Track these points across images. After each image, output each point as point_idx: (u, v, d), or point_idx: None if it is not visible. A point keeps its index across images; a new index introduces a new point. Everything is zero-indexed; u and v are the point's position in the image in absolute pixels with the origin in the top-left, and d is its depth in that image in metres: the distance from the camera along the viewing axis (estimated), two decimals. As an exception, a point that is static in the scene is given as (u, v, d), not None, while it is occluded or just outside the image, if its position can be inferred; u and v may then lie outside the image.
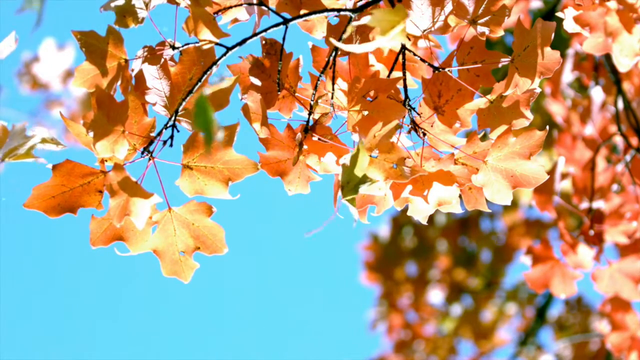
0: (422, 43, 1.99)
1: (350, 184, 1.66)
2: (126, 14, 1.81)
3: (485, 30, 1.86)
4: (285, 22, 1.86)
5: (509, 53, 1.89)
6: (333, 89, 1.86)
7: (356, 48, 1.54)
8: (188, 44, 1.82)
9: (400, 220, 6.21)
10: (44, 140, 1.69)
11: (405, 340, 6.24)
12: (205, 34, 1.81)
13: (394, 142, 1.74)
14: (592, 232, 2.79)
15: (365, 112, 1.82)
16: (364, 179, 1.66)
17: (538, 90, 1.84)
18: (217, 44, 1.82)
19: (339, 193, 1.67)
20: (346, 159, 1.67)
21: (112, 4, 1.81)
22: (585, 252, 2.73)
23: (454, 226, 6.16)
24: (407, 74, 1.91)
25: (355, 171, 1.66)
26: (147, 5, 1.82)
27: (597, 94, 3.23)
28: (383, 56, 1.98)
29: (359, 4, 1.91)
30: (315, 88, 1.87)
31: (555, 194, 2.86)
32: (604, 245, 2.79)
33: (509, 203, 1.83)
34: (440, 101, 1.88)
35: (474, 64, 1.88)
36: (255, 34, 1.84)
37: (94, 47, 1.81)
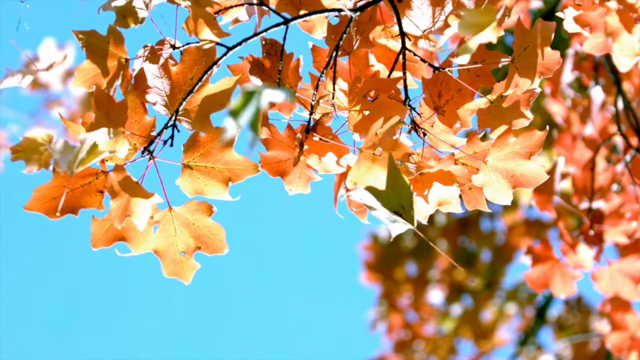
0: (422, 43, 1.99)
1: (407, 208, 1.64)
2: (126, 14, 1.81)
3: (486, 30, 1.86)
4: (286, 22, 1.86)
5: (509, 53, 1.89)
6: (334, 89, 1.86)
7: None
8: (189, 43, 1.82)
9: (400, 220, 6.20)
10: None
11: (405, 340, 6.24)
12: (206, 33, 1.81)
13: (397, 139, 1.74)
14: (592, 232, 2.79)
15: (366, 112, 1.82)
16: (412, 194, 1.65)
17: (538, 90, 1.84)
18: (217, 43, 1.82)
19: (395, 219, 1.65)
20: (377, 182, 1.67)
21: (112, 4, 1.81)
22: (585, 252, 2.73)
23: (454, 226, 6.16)
24: (408, 74, 1.91)
25: (404, 193, 1.64)
26: (147, 5, 1.82)
27: (597, 94, 3.23)
28: (383, 56, 1.98)
29: (359, 4, 1.92)
30: (316, 88, 1.87)
31: (555, 194, 2.86)
32: (604, 245, 2.79)
33: (509, 203, 1.83)
34: (441, 101, 1.88)
35: (474, 64, 1.88)
36: (255, 34, 1.84)
37: (94, 46, 1.80)
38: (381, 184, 1.76)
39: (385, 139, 1.73)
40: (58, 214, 1.76)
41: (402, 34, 1.88)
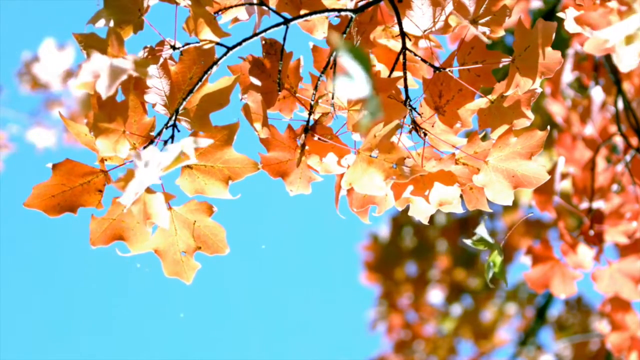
0: (422, 43, 1.99)
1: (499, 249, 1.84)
2: (123, 24, 1.80)
3: (486, 30, 1.86)
4: (286, 22, 1.86)
5: (509, 53, 1.89)
6: (333, 89, 1.86)
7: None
8: (188, 43, 1.82)
9: (400, 220, 6.21)
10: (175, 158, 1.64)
11: (405, 340, 6.25)
12: (206, 33, 1.81)
13: (394, 142, 1.74)
14: (592, 232, 2.79)
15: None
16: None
17: (539, 90, 1.84)
18: (217, 43, 1.82)
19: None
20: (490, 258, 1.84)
21: (104, 18, 1.79)
22: (585, 252, 2.73)
23: (454, 226, 6.16)
24: (408, 74, 1.90)
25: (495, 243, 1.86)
26: (141, 10, 1.81)
27: (597, 94, 3.23)
28: (384, 56, 1.98)
29: (360, 4, 1.91)
30: (316, 88, 1.87)
31: (555, 194, 2.85)
32: (604, 245, 2.79)
33: (510, 203, 1.83)
34: (441, 101, 1.88)
35: (474, 64, 1.88)
36: (255, 34, 1.84)
37: (95, 49, 1.80)
38: (376, 186, 1.76)
39: (383, 141, 1.73)
40: (57, 211, 1.76)
41: (403, 34, 1.88)
